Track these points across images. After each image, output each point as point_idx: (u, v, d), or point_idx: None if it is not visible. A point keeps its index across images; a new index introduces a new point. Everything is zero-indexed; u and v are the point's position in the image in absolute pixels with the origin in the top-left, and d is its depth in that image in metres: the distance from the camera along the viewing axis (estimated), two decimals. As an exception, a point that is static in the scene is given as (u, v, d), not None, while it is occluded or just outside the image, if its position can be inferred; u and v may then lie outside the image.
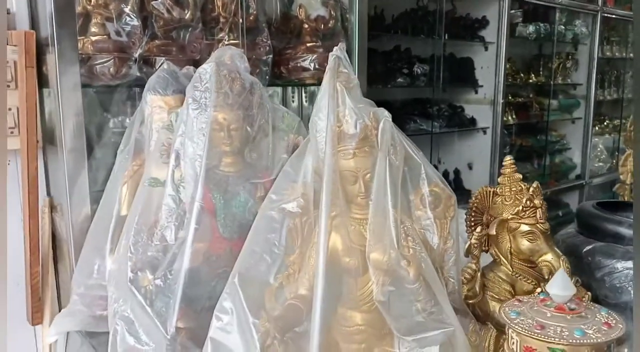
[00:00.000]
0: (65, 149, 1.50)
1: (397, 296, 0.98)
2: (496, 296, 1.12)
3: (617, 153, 4.76)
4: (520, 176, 1.17)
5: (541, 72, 4.18)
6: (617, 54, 4.75)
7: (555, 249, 1.12)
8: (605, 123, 5.03)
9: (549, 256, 1.10)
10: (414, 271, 0.98)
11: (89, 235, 1.50)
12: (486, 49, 3.53)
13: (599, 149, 4.88)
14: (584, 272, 1.29)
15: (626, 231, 1.28)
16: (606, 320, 0.76)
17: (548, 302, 0.81)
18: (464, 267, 1.11)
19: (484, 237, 1.14)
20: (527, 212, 1.12)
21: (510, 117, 3.88)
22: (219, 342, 0.93)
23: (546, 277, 1.11)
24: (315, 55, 2.09)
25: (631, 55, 4.76)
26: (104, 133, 1.79)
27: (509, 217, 1.13)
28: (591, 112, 4.37)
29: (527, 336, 0.75)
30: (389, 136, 1.04)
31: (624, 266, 1.21)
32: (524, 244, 1.12)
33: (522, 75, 3.97)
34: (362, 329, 1.06)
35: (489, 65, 3.52)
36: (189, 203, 1.25)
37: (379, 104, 1.11)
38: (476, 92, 3.58)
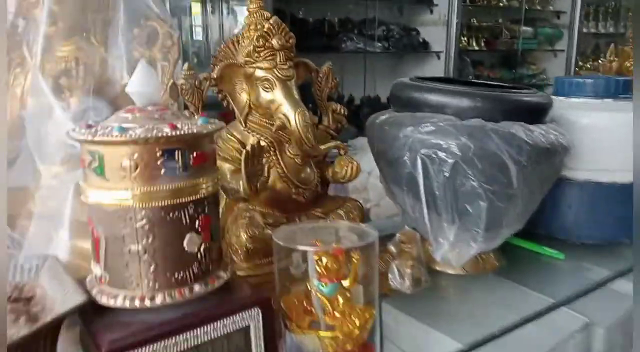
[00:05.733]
0: None
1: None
2: (221, 154, 0.95)
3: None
4: (269, 15, 0.97)
5: (519, -3, 3.84)
6: (612, -19, 4.34)
7: (297, 100, 0.93)
8: (600, 60, 4.63)
9: (284, 108, 0.92)
10: (75, 101, 0.84)
11: None
12: (442, -37, 3.23)
13: (589, 87, 4.51)
14: (374, 145, 1.11)
15: (420, 96, 1.07)
16: (174, 122, 0.58)
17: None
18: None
19: (205, 82, 0.94)
20: (262, 54, 0.92)
21: (474, 44, 3.59)
22: None
23: (273, 130, 0.94)
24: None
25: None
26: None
27: (242, 62, 0.94)
28: (574, 43, 4.01)
29: (77, 140, 0.59)
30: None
31: (404, 134, 1.01)
32: (260, 93, 0.94)
33: (491, -2, 3.65)
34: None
35: (445, -19, 3.23)
36: None
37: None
38: (431, 12, 3.30)
